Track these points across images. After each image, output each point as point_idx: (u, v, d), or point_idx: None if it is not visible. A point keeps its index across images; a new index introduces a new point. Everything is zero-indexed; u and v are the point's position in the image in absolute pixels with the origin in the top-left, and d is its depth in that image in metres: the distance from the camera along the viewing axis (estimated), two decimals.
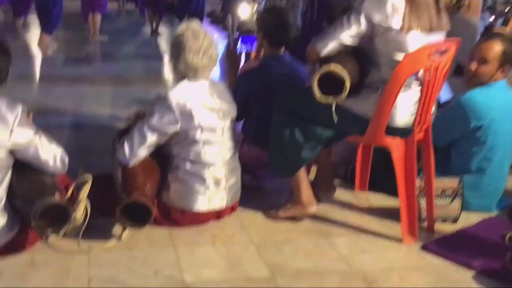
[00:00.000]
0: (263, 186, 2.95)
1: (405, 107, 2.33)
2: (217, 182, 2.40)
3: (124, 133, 2.47)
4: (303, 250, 2.31)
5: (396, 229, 2.49)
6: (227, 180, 2.44)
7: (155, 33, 8.65)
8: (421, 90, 2.33)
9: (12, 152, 2.02)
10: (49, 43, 6.57)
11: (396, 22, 2.21)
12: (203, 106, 2.36)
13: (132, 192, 2.17)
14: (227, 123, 2.46)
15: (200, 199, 2.37)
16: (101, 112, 4.22)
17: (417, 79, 2.32)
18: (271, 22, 2.83)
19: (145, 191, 2.22)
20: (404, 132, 2.39)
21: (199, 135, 2.35)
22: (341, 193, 2.91)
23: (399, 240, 2.42)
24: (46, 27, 6.46)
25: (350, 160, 3.12)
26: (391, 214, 2.64)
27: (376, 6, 2.22)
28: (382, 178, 2.94)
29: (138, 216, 2.16)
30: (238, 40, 3.01)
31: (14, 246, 2.06)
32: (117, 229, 2.31)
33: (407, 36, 2.22)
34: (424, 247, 2.36)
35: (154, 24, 8.73)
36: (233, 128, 2.54)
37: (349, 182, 3.05)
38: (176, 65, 2.37)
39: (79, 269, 2.02)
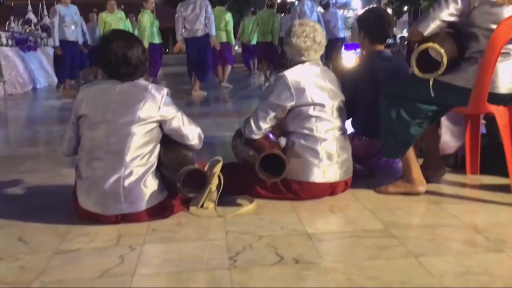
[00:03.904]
0: (374, 174, 3.16)
1: (505, 75, 2.48)
2: (329, 156, 2.67)
3: (240, 131, 2.87)
4: (415, 212, 2.50)
5: (509, 198, 2.56)
6: (338, 155, 2.70)
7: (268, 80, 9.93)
8: None
9: (160, 125, 2.47)
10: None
11: None
12: (315, 85, 2.70)
13: (263, 151, 2.51)
14: (336, 103, 2.75)
15: (316, 171, 2.65)
16: (221, 135, 4.76)
17: None
18: (371, 21, 3.14)
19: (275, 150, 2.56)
20: (507, 100, 2.52)
21: (311, 111, 2.67)
22: (451, 176, 3.04)
23: (511, 205, 2.50)
24: (202, 80, 8.48)
25: (459, 149, 3.24)
26: (504, 189, 2.72)
27: None
28: (493, 161, 3.01)
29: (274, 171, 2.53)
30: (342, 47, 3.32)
31: (163, 208, 2.46)
32: (244, 201, 2.65)
33: (502, 7, 2.41)
34: None
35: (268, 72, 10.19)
36: (343, 110, 2.82)
37: (460, 169, 3.16)
38: (288, 51, 2.77)
39: (217, 227, 2.37)
